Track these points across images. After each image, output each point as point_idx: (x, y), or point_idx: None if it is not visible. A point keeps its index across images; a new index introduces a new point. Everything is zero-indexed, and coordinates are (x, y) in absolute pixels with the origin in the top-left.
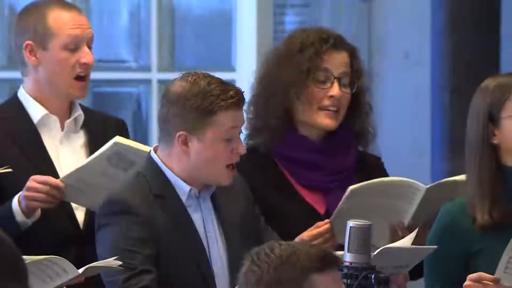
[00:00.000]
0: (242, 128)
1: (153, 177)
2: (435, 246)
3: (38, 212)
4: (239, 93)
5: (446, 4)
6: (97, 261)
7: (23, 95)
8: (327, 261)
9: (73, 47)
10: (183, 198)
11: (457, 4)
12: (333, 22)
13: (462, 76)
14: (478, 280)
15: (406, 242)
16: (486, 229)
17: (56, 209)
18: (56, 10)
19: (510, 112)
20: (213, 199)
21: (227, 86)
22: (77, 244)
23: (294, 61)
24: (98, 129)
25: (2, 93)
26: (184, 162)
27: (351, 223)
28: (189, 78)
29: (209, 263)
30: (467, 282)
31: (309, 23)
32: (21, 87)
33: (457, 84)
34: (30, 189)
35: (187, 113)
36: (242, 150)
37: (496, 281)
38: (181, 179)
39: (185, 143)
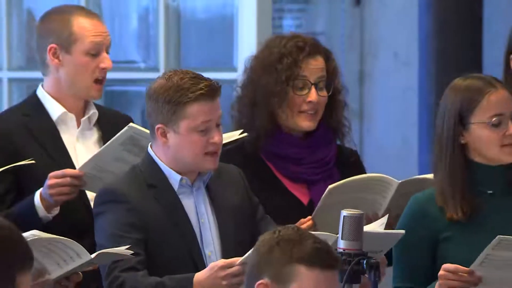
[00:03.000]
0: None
1: (147, 169)
2: (403, 231)
3: (58, 207)
4: (210, 85)
5: (432, 8)
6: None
7: (42, 94)
8: (318, 259)
9: (94, 52)
10: (175, 187)
11: (443, 7)
12: (328, 26)
13: (447, 76)
14: (454, 272)
15: (376, 227)
16: (454, 220)
17: (73, 201)
18: (80, 17)
19: (479, 119)
20: (209, 189)
21: (199, 80)
22: (93, 234)
23: (273, 71)
24: (109, 126)
25: (21, 92)
26: (168, 154)
27: (344, 212)
28: (166, 75)
29: (199, 247)
30: (441, 272)
31: (305, 27)
32: (39, 85)
33: (443, 83)
34: (53, 186)
35: (161, 107)
36: (218, 139)
37: (470, 273)
38: (173, 170)
39: (164, 135)
